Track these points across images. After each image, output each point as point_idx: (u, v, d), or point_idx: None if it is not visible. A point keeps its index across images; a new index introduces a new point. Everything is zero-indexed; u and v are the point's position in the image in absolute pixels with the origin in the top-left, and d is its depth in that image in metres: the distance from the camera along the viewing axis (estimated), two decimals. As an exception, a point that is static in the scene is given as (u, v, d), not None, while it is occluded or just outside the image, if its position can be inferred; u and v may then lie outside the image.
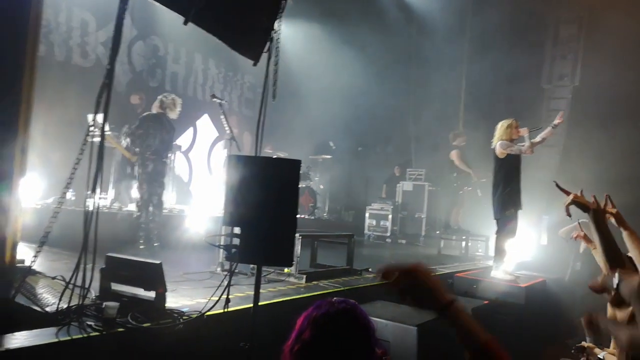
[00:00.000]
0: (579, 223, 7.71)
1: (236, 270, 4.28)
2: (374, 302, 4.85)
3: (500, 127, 6.52)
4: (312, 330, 1.49)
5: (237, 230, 3.31)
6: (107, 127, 3.36)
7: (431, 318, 4.44)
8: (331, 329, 1.49)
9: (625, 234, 2.77)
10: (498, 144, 6.44)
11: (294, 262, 4.93)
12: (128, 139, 7.17)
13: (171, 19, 7.69)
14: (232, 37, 3.65)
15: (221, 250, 5.03)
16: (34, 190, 6.73)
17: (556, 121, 6.49)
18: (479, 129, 9.99)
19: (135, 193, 6.89)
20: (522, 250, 8.95)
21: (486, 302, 5.75)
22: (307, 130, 12.09)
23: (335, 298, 1.59)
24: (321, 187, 12.41)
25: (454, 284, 6.52)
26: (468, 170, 10.02)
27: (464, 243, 9.64)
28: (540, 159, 9.67)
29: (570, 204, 2.64)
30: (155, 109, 6.82)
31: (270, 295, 4.39)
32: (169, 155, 7.16)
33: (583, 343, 3.54)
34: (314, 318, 1.52)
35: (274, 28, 3.62)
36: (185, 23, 3.30)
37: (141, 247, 6.43)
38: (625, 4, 10.11)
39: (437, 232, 10.71)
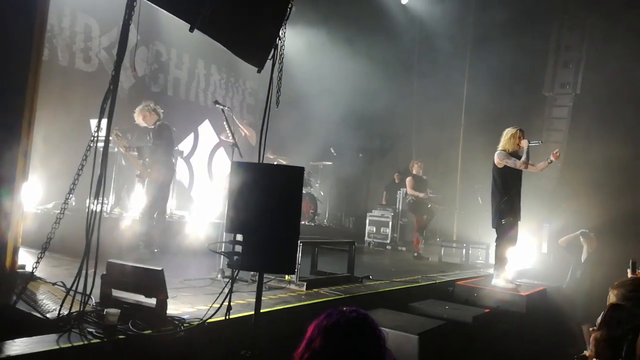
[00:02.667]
0: (581, 232, 7.69)
1: (237, 277, 4.26)
2: (375, 310, 4.83)
3: (505, 135, 6.50)
4: (323, 339, 1.48)
5: (239, 237, 3.31)
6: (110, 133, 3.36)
7: (433, 326, 4.43)
8: (342, 338, 1.49)
9: None
10: (496, 154, 6.44)
11: (296, 270, 4.92)
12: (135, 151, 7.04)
13: (174, 24, 7.70)
14: (237, 44, 3.66)
15: (222, 257, 5.03)
16: (35, 195, 6.72)
17: (552, 158, 6.42)
18: (481, 135, 10.01)
19: (139, 199, 6.87)
20: (523, 258, 8.95)
21: (487, 310, 5.73)
22: (307, 136, 12.09)
23: (346, 307, 1.58)
24: (322, 193, 12.39)
25: (455, 291, 6.51)
26: (419, 195, 10.06)
27: (464, 251, 9.61)
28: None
29: None
30: (155, 119, 6.75)
31: (271, 302, 4.37)
32: (173, 161, 7.11)
33: (585, 352, 3.52)
34: (324, 327, 1.51)
35: (279, 35, 3.62)
36: (192, 30, 3.31)
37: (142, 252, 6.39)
38: (627, 14, 10.15)
39: (438, 239, 10.70)
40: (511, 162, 6.33)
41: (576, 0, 11.97)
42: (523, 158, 6.31)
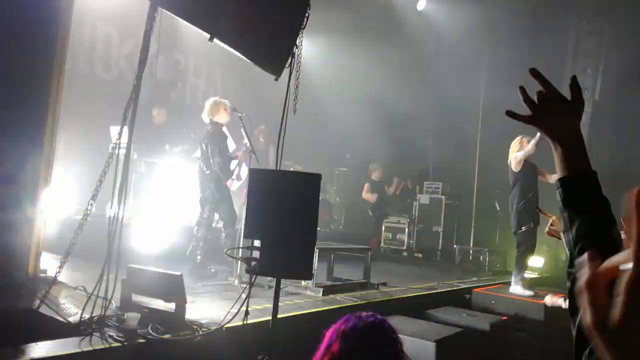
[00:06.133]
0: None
1: (254, 283, 4.30)
2: (391, 316, 4.82)
3: (513, 145, 6.63)
4: (341, 343, 1.51)
5: (256, 242, 3.35)
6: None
7: (450, 334, 4.40)
8: (360, 342, 1.51)
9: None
10: (513, 157, 6.49)
11: (312, 276, 4.94)
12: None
13: (192, 32, 7.81)
14: (255, 53, 3.71)
15: (240, 263, 5.07)
16: (57, 201, 6.83)
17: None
18: (498, 141, 9.93)
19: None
20: (542, 265, 8.86)
21: (505, 317, 5.68)
22: (323, 142, 12.13)
23: (364, 312, 1.60)
24: (337, 199, 12.40)
25: (472, 299, 6.47)
26: (371, 199, 10.85)
27: (482, 257, 9.55)
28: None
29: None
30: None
31: (288, 308, 4.39)
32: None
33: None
34: (342, 331, 1.54)
35: (296, 44, 3.67)
36: (211, 40, 3.37)
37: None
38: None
39: (455, 246, 10.64)
40: (521, 153, 6.34)
41: (594, 6, 11.86)
42: (532, 141, 6.20)
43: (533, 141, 6.27)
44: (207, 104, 6.20)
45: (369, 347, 1.51)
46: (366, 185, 10.80)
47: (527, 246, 6.44)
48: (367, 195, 10.81)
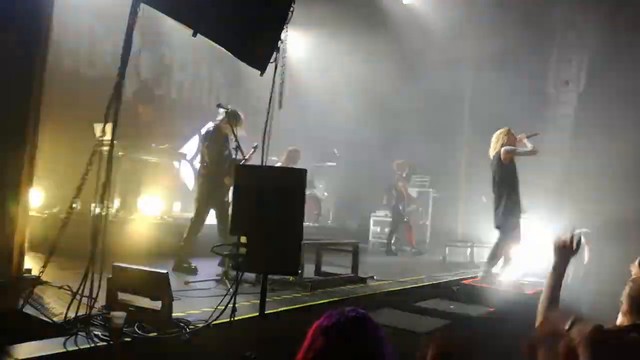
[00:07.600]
0: (582, 232, 7.63)
1: (241, 279, 4.28)
2: (380, 309, 4.85)
3: (498, 135, 6.64)
4: (324, 339, 1.51)
5: (243, 239, 3.34)
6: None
7: (438, 326, 4.43)
8: (342, 337, 1.51)
9: None
10: (503, 150, 6.47)
11: (300, 271, 4.94)
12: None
13: (178, 27, 7.74)
14: (239, 48, 3.69)
15: (227, 259, 5.05)
16: (40, 199, 6.76)
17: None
18: (485, 133, 9.98)
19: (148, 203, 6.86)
20: (528, 257, 8.92)
21: (491, 309, 5.73)
22: (311, 138, 12.10)
23: (346, 308, 1.61)
24: (325, 194, 12.40)
25: (460, 291, 6.51)
26: (413, 196, 11.09)
27: (469, 250, 9.61)
28: (545, 167, 9.65)
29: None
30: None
31: (276, 304, 4.39)
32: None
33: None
34: (325, 327, 1.54)
35: (281, 38, 3.65)
36: (194, 35, 3.34)
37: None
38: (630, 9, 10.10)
39: (443, 239, 10.70)
40: (521, 150, 6.48)
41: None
42: (530, 144, 6.43)
43: (531, 144, 6.46)
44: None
45: (352, 342, 1.51)
46: (404, 185, 10.92)
47: (513, 238, 6.47)
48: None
